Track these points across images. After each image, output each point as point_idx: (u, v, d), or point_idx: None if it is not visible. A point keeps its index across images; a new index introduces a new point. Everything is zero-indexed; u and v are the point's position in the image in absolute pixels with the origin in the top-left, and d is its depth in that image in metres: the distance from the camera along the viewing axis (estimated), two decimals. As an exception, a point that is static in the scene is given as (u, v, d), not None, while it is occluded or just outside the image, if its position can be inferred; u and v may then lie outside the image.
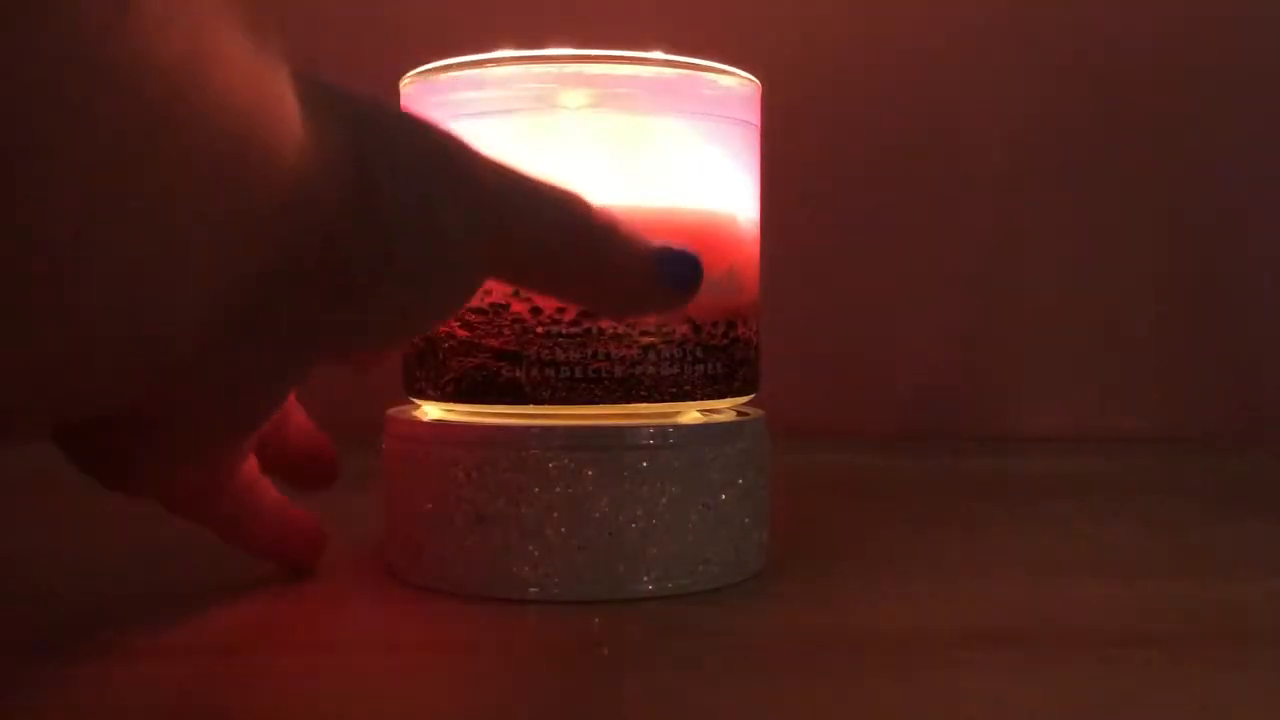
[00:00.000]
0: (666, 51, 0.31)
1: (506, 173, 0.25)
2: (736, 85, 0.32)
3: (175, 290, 0.18)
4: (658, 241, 0.27)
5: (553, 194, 0.25)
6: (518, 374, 0.29)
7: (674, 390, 0.30)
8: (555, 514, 0.29)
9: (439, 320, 0.29)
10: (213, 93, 0.17)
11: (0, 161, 0.14)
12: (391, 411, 0.33)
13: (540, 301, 0.29)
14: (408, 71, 0.32)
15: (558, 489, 0.29)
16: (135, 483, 0.22)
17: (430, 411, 0.32)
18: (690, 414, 0.32)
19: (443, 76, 0.31)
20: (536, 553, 0.29)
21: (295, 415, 0.31)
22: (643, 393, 0.30)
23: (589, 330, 0.29)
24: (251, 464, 0.29)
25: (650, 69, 0.30)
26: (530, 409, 0.30)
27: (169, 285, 0.17)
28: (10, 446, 0.17)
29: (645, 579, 0.29)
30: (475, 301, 0.29)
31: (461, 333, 0.30)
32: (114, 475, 0.22)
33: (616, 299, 0.28)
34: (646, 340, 0.30)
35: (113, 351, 0.17)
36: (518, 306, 0.29)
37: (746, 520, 0.31)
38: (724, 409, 0.33)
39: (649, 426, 0.30)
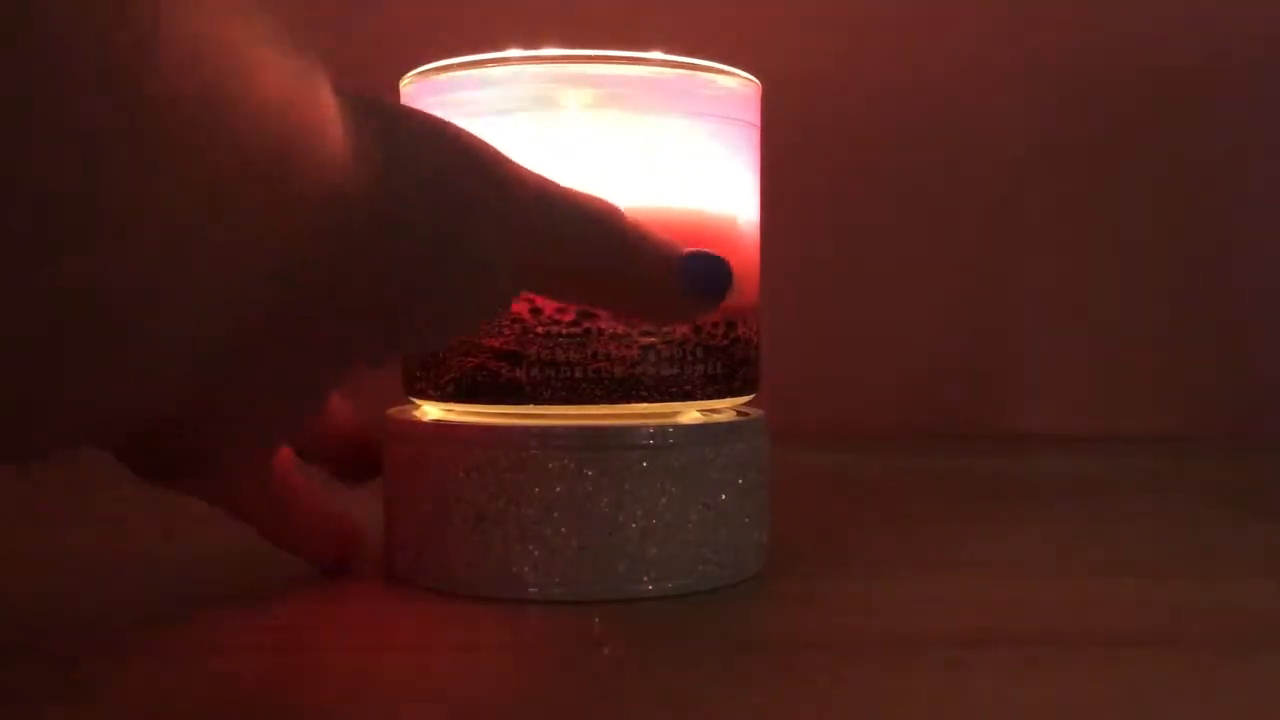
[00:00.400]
0: (666, 51, 0.31)
1: (541, 185, 0.25)
2: (737, 85, 0.32)
3: (213, 308, 0.18)
4: (687, 248, 0.28)
5: (588, 206, 0.26)
6: (518, 374, 0.29)
7: (674, 390, 0.30)
8: (555, 514, 0.29)
9: (472, 330, 0.29)
10: (246, 119, 0.17)
11: (37, 203, 0.14)
12: (391, 411, 0.33)
13: (540, 302, 0.29)
14: (408, 71, 0.32)
15: (558, 489, 0.29)
16: (177, 480, 0.23)
17: (430, 411, 0.32)
18: (690, 414, 0.32)
19: (443, 76, 0.31)
20: (536, 553, 0.29)
21: (335, 409, 0.32)
22: (643, 393, 0.30)
23: (589, 330, 0.29)
24: (286, 457, 0.29)
25: (651, 69, 0.30)
26: (530, 409, 0.30)
27: (207, 303, 0.18)
28: (57, 455, 0.17)
29: (645, 579, 0.29)
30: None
31: (461, 333, 0.30)
32: (159, 472, 0.22)
33: (649, 308, 0.29)
34: (646, 340, 0.30)
35: (152, 369, 0.17)
36: (517, 307, 0.29)
37: (746, 520, 0.31)
38: (724, 409, 0.33)
39: (649, 426, 0.30)
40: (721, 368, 0.31)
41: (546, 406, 0.29)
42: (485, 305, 0.25)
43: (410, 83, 0.32)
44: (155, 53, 0.15)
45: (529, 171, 0.25)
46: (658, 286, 0.27)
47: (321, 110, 0.19)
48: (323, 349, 0.22)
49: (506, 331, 0.29)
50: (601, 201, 0.26)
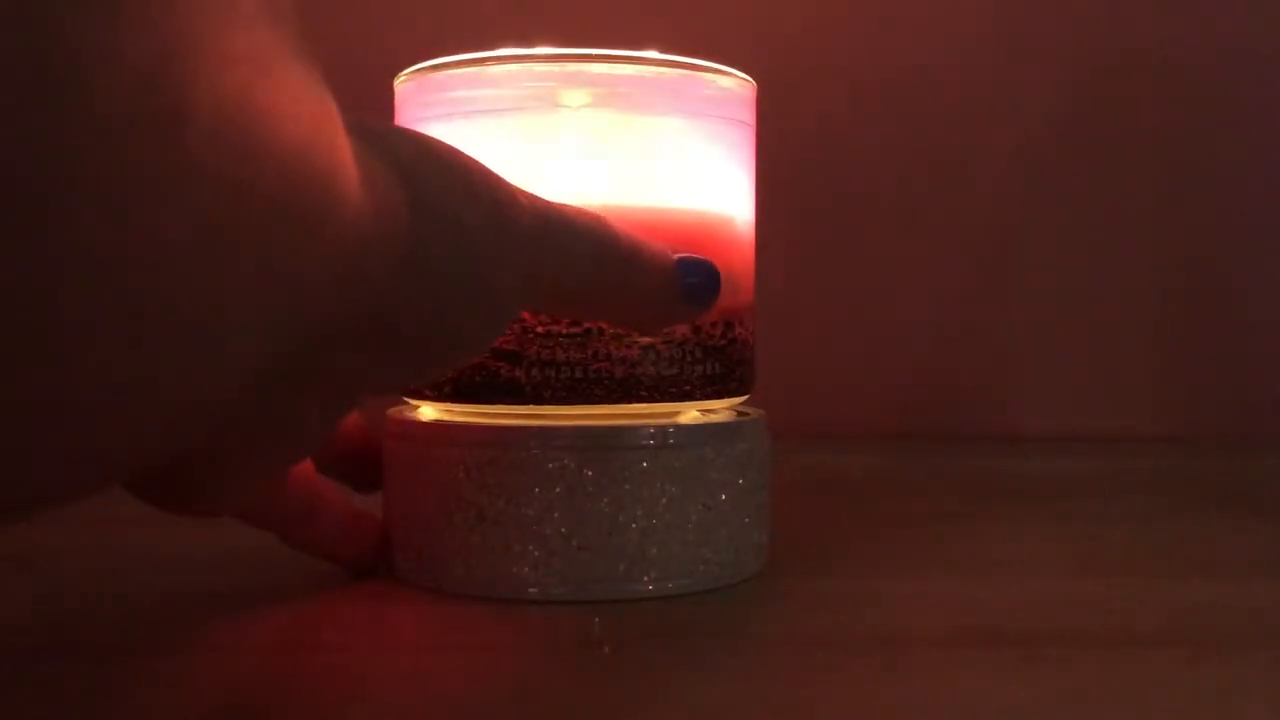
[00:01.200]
0: (662, 51, 0.30)
1: (536, 206, 0.25)
2: (734, 86, 0.32)
3: (229, 360, 0.18)
4: (676, 255, 0.28)
5: (583, 226, 0.26)
6: (517, 374, 0.29)
7: (673, 390, 0.30)
8: (555, 514, 0.29)
9: (473, 358, 0.29)
10: (272, 179, 0.16)
11: (54, 259, 0.14)
12: (391, 412, 0.33)
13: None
14: (404, 68, 0.32)
15: (558, 489, 0.29)
16: (194, 508, 0.23)
17: (428, 412, 0.32)
18: (690, 414, 0.32)
19: (440, 75, 0.31)
20: (536, 553, 0.29)
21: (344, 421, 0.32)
22: (642, 393, 0.30)
23: (589, 330, 0.29)
24: (306, 465, 0.29)
25: (649, 69, 0.30)
26: (530, 409, 0.30)
27: (223, 356, 0.18)
28: (70, 503, 0.17)
29: (645, 579, 0.29)
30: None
31: (461, 333, 0.30)
32: (174, 504, 0.23)
33: (642, 318, 0.29)
34: (646, 341, 0.30)
35: (163, 418, 0.17)
36: (517, 306, 0.29)
37: (746, 520, 0.31)
38: (723, 409, 0.33)
39: (649, 426, 0.30)
40: (720, 368, 0.31)
41: (546, 406, 0.29)
42: (491, 332, 0.25)
43: (406, 80, 0.32)
44: (189, 115, 0.15)
45: (522, 192, 0.25)
46: (655, 296, 0.28)
47: (338, 153, 0.19)
48: (333, 391, 0.23)
49: (506, 331, 0.29)
50: (592, 216, 0.26)
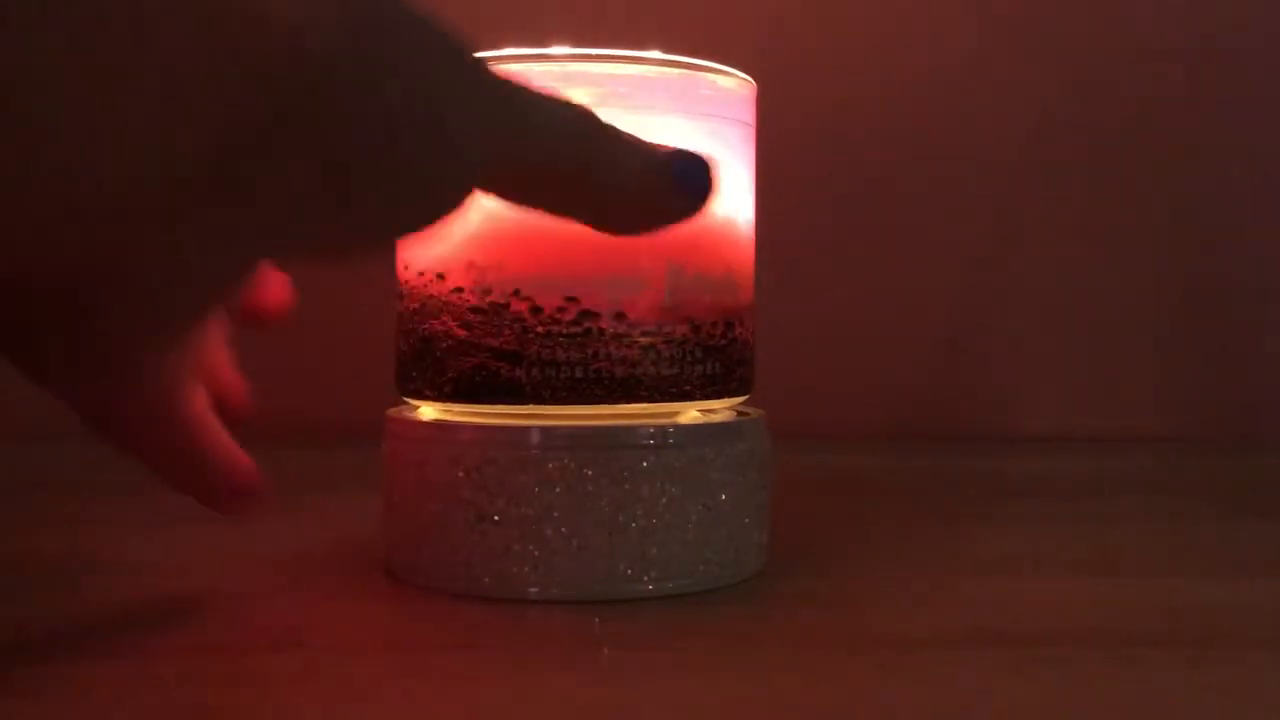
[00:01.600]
0: (663, 51, 0.30)
1: (514, 82, 0.24)
2: (734, 86, 0.32)
3: (147, 138, 0.17)
4: (670, 146, 0.26)
5: (559, 99, 0.24)
6: (517, 374, 0.29)
7: (673, 390, 0.30)
8: (555, 514, 0.29)
9: (426, 223, 0.25)
10: None
11: None
12: (391, 412, 0.33)
13: (540, 301, 0.29)
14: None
15: (558, 489, 0.29)
16: (67, 372, 0.21)
17: (428, 412, 0.32)
18: (690, 414, 0.32)
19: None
20: (536, 553, 0.29)
21: (218, 353, 0.29)
22: (642, 393, 0.30)
23: (589, 330, 0.29)
24: (203, 398, 0.27)
25: (649, 69, 0.30)
26: (530, 409, 0.30)
27: (141, 134, 0.17)
28: None
29: (645, 579, 0.29)
30: (475, 300, 0.29)
31: (460, 332, 0.30)
32: (45, 364, 0.21)
33: (628, 209, 0.26)
34: (646, 340, 0.30)
35: (72, 194, 0.16)
36: (517, 306, 0.29)
37: (746, 520, 0.31)
38: (722, 409, 0.33)
39: (649, 426, 0.30)
40: (720, 368, 0.31)
41: (546, 406, 0.29)
42: (444, 195, 0.23)
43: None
44: None
45: (502, 70, 0.24)
46: (642, 183, 0.26)
47: None
48: (259, 210, 0.20)
49: (506, 331, 0.29)
50: (578, 104, 0.25)
